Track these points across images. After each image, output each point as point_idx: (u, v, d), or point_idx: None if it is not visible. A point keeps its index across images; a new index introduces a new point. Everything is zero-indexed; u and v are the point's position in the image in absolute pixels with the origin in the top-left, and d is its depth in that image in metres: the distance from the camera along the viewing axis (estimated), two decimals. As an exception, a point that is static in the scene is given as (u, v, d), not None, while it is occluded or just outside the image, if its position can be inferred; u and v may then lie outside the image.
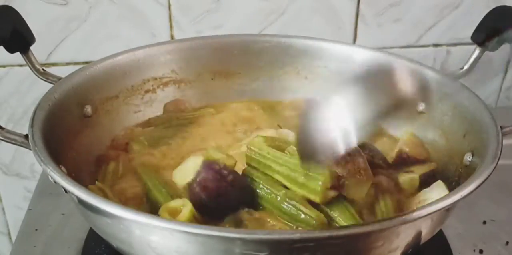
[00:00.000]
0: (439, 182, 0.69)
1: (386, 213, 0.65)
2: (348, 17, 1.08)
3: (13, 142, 0.65)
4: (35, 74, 0.78)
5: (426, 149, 0.78)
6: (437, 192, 0.66)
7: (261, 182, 0.63)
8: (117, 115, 0.83)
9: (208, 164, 0.62)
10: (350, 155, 0.61)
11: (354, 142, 0.54)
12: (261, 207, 0.63)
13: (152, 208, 0.67)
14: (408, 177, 0.71)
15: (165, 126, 0.83)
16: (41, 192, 0.88)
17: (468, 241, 0.79)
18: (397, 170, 0.73)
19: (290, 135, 0.77)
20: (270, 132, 0.76)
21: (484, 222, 0.83)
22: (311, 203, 0.61)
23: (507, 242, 0.79)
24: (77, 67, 0.84)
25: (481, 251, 0.77)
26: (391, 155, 0.77)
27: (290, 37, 0.92)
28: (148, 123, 0.85)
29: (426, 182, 0.71)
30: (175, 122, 0.84)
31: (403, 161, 0.75)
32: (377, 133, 0.82)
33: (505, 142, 0.65)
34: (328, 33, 1.08)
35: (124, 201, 0.67)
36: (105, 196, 0.65)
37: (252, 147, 0.65)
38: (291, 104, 0.90)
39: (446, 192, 0.65)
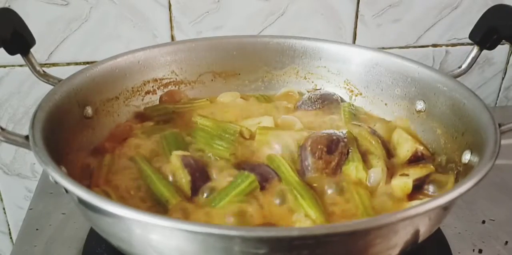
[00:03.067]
0: None
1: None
2: (347, 17, 1.09)
3: (14, 143, 0.65)
4: (35, 76, 0.78)
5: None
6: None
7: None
8: (118, 116, 0.84)
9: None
10: (328, 152, 0.71)
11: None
12: None
13: (153, 199, 0.67)
14: (401, 182, 0.71)
15: (163, 119, 0.83)
16: (41, 192, 0.89)
17: (468, 240, 0.79)
18: (413, 166, 0.74)
19: (295, 121, 0.81)
20: (267, 120, 0.80)
21: (484, 222, 0.83)
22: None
23: (506, 242, 0.79)
24: (78, 67, 0.85)
25: (480, 251, 0.77)
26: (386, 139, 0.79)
27: (289, 37, 0.92)
28: (143, 113, 0.85)
29: (420, 186, 0.71)
30: (171, 113, 0.84)
31: (418, 159, 0.76)
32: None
33: (504, 142, 0.65)
34: (328, 33, 1.08)
35: (124, 195, 0.68)
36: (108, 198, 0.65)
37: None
38: (284, 95, 0.92)
39: None
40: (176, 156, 0.71)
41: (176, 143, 0.75)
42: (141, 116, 0.85)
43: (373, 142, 0.75)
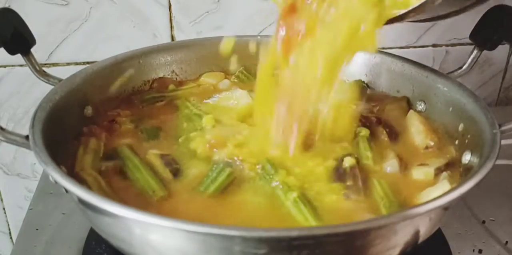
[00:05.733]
0: (445, 181, 0.68)
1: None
2: (347, 17, 1.08)
3: (14, 142, 0.65)
4: (35, 76, 0.78)
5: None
6: (442, 190, 0.65)
7: None
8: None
9: None
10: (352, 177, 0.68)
11: None
12: None
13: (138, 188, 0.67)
14: (423, 171, 0.71)
15: (151, 105, 0.84)
16: (41, 192, 0.89)
17: (468, 240, 0.79)
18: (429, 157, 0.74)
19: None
20: (241, 93, 0.82)
21: (484, 222, 0.83)
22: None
23: (507, 242, 0.79)
24: (78, 67, 0.84)
25: (480, 251, 0.77)
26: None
27: (289, 37, 0.92)
28: (131, 99, 0.85)
29: (439, 175, 0.70)
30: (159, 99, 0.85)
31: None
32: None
33: (504, 142, 0.65)
34: (328, 33, 1.08)
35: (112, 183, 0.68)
36: (98, 184, 0.65)
37: None
38: None
39: None
40: (154, 155, 0.71)
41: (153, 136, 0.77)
42: (129, 102, 0.84)
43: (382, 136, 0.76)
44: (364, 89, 0.87)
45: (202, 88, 0.89)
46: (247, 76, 0.91)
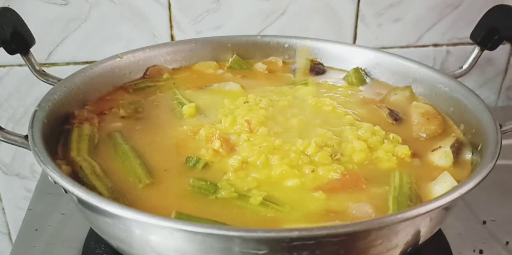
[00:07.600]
0: (445, 173, 0.66)
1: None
2: (348, 17, 1.08)
3: (13, 142, 0.65)
4: (35, 75, 0.78)
5: (442, 117, 0.78)
6: (444, 184, 0.65)
7: None
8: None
9: None
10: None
11: None
12: None
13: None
14: (441, 153, 0.70)
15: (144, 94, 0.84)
16: (41, 192, 0.89)
17: (468, 241, 0.79)
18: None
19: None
20: (232, 86, 0.84)
21: (484, 222, 0.83)
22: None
23: (507, 242, 0.79)
24: (77, 67, 0.84)
25: (481, 251, 0.77)
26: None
27: (290, 37, 0.93)
28: (125, 88, 0.84)
29: (457, 152, 0.70)
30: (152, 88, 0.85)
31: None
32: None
33: (505, 142, 0.65)
34: (328, 33, 1.08)
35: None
36: (92, 169, 0.65)
37: None
38: (267, 62, 0.93)
39: (453, 182, 0.64)
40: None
41: None
42: (123, 90, 0.84)
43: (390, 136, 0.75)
44: (364, 76, 0.88)
45: (196, 77, 0.88)
46: (240, 64, 0.91)
